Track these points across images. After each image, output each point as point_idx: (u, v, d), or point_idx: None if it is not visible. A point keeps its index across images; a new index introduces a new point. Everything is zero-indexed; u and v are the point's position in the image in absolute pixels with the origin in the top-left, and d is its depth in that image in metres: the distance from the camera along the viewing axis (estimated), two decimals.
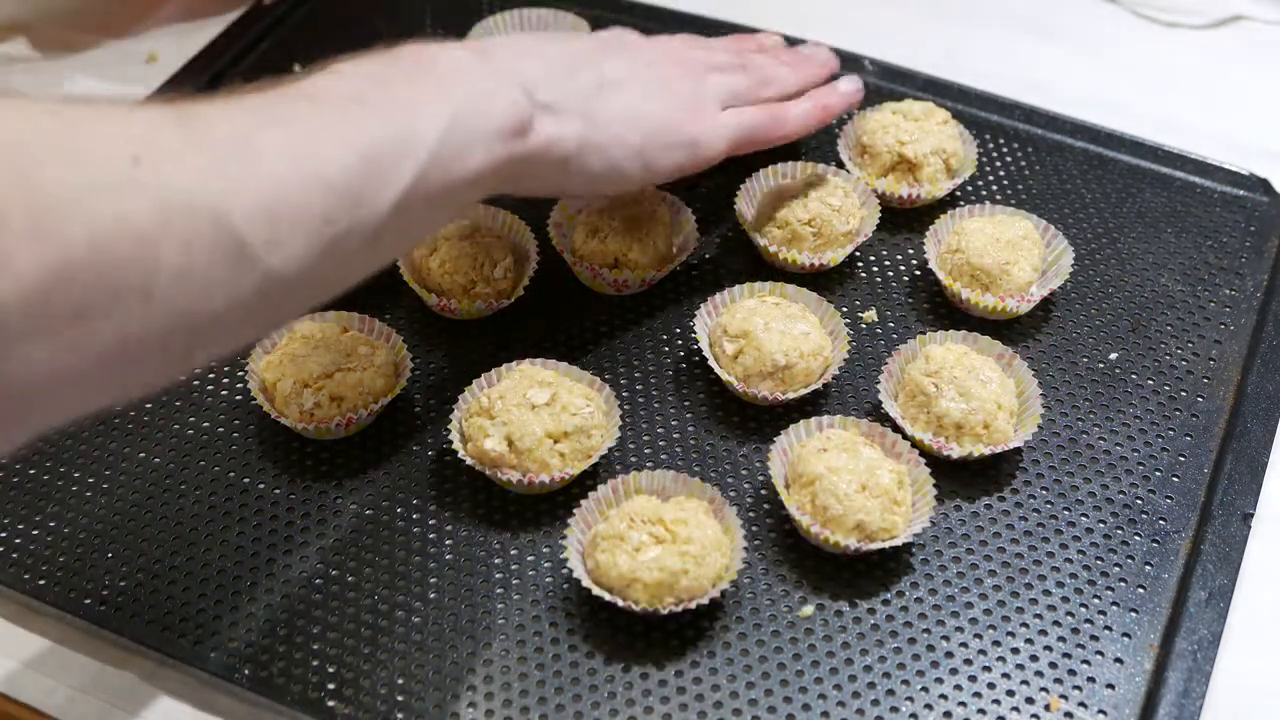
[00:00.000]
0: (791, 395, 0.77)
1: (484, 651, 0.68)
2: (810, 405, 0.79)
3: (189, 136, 0.51)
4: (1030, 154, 0.95)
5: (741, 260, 0.88)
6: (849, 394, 0.80)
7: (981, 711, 0.66)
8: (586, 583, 0.68)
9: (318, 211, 0.54)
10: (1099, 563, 0.72)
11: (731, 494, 0.74)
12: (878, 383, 0.78)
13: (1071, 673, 0.68)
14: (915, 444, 0.75)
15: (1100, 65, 1.06)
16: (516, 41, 0.69)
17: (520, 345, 0.82)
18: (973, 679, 0.67)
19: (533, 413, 0.72)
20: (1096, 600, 0.71)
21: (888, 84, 0.99)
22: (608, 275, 0.83)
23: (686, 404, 0.79)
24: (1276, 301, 0.86)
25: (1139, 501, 0.75)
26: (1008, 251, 0.83)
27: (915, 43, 1.05)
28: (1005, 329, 0.83)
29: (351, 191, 0.56)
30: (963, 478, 0.76)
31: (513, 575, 0.71)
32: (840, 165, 0.91)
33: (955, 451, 0.74)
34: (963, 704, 0.66)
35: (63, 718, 0.67)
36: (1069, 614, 0.70)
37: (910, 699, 0.67)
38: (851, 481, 0.70)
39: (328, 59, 0.61)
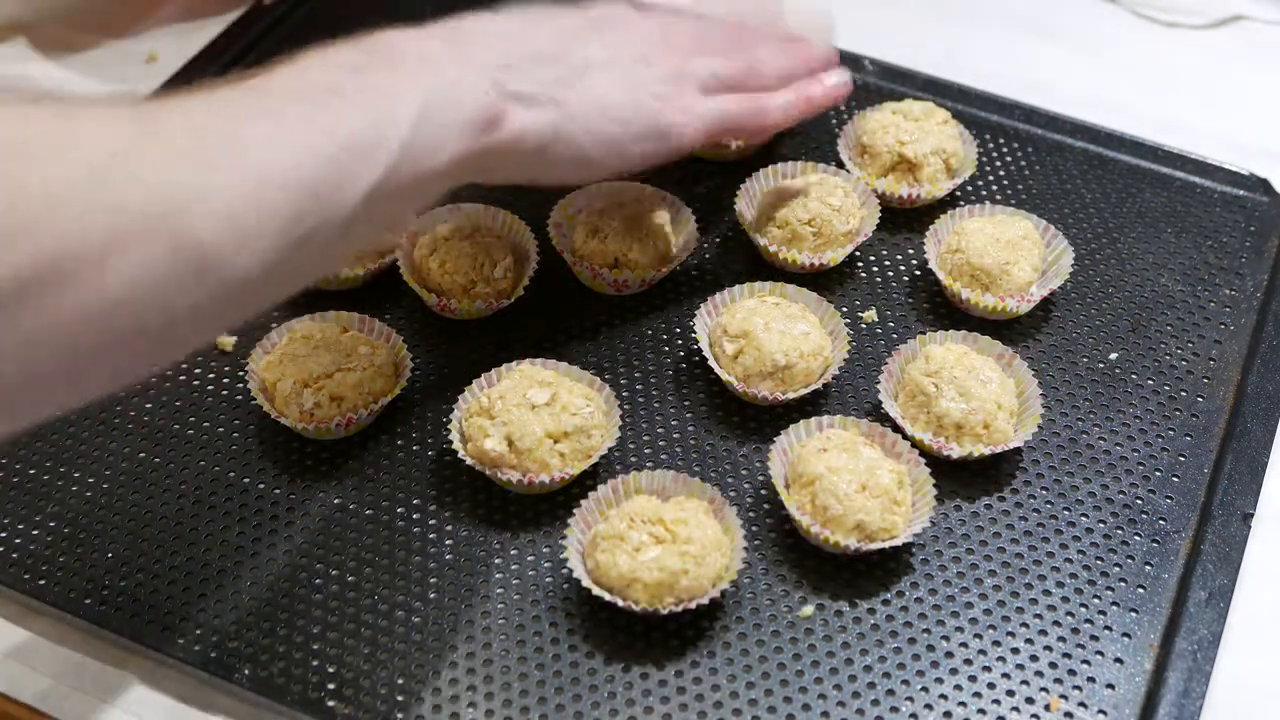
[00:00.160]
0: (791, 395, 0.77)
1: (484, 651, 0.68)
2: (810, 405, 0.79)
3: (154, 139, 0.51)
4: (1030, 154, 0.95)
5: (741, 260, 0.88)
6: (849, 394, 0.80)
7: (981, 711, 0.66)
8: (586, 583, 0.68)
9: (286, 212, 0.54)
10: (1099, 563, 0.72)
11: (731, 494, 0.74)
12: (878, 383, 0.78)
13: (1071, 673, 0.68)
14: (915, 444, 0.75)
15: (1100, 65, 1.06)
16: (493, 23, 0.68)
17: (520, 345, 0.82)
18: (973, 679, 0.67)
19: (533, 413, 0.72)
20: (1096, 600, 0.71)
21: (888, 84, 1.00)
22: (608, 275, 0.83)
23: (686, 404, 0.79)
24: (1276, 301, 0.86)
25: (1139, 501, 0.75)
26: (1008, 251, 0.83)
27: (915, 43, 1.05)
28: (1005, 329, 0.83)
29: (322, 189, 0.55)
30: (963, 478, 0.76)
31: (513, 575, 0.71)
32: (840, 165, 0.91)
33: (955, 451, 0.74)
34: (963, 704, 0.66)
35: (62, 717, 0.67)
36: (1069, 614, 0.70)
37: (910, 699, 0.67)
38: (851, 481, 0.70)
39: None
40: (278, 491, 0.75)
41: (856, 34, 1.03)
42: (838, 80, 0.83)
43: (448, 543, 0.72)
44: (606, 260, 0.83)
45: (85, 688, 0.68)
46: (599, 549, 0.68)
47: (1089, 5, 1.12)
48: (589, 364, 0.80)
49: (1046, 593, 0.71)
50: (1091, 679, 0.68)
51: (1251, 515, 0.74)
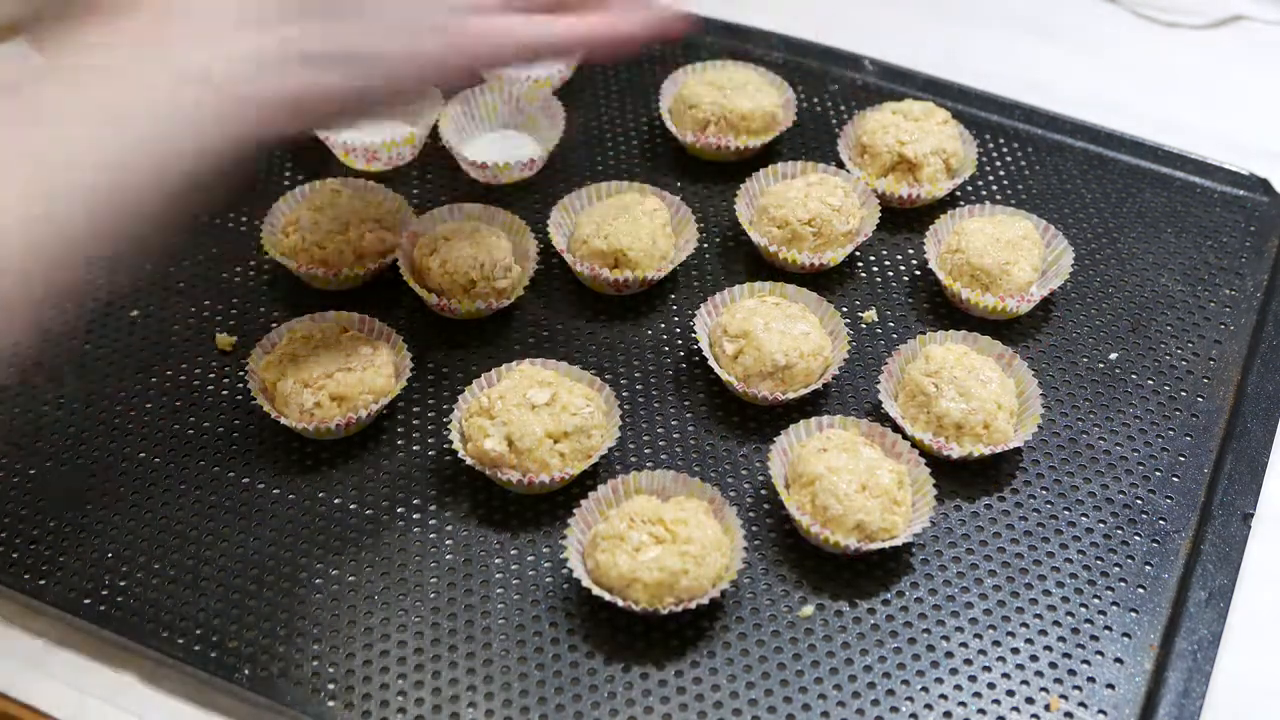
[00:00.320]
0: (791, 395, 0.77)
1: (484, 651, 0.68)
2: (810, 405, 0.79)
3: None
4: (1030, 154, 0.95)
5: (741, 260, 0.88)
6: (849, 394, 0.80)
7: (981, 711, 0.66)
8: (586, 583, 0.68)
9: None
10: (1099, 563, 0.72)
11: (731, 494, 0.74)
12: (878, 383, 0.78)
13: (1071, 673, 0.68)
14: (915, 444, 0.75)
15: (1100, 65, 1.06)
16: None
17: (520, 345, 0.82)
18: (973, 679, 0.67)
19: (533, 413, 0.72)
20: (1096, 600, 0.71)
21: (888, 84, 1.00)
22: (608, 275, 0.83)
23: (686, 404, 0.79)
24: (1276, 301, 0.86)
25: (1139, 501, 0.75)
26: (1008, 251, 0.83)
27: (915, 43, 1.05)
28: (1005, 329, 0.83)
29: (100, 192, 0.57)
30: (963, 478, 0.76)
31: (513, 575, 0.71)
32: (840, 165, 0.91)
33: (955, 451, 0.74)
34: (963, 704, 0.66)
35: (63, 718, 0.67)
36: (1069, 614, 0.70)
37: (910, 699, 0.67)
38: (851, 481, 0.70)
39: None
40: (278, 491, 0.75)
41: (856, 34, 1.04)
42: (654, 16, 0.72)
43: (448, 543, 0.72)
44: (606, 260, 0.83)
45: (85, 688, 0.68)
46: (599, 549, 0.68)
47: (1089, 5, 1.12)
48: (589, 364, 0.80)
49: (1046, 593, 0.71)
50: (1091, 679, 0.68)
51: (1251, 515, 0.74)
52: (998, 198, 0.92)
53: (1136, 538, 0.74)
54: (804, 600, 0.70)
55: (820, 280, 0.86)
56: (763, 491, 0.75)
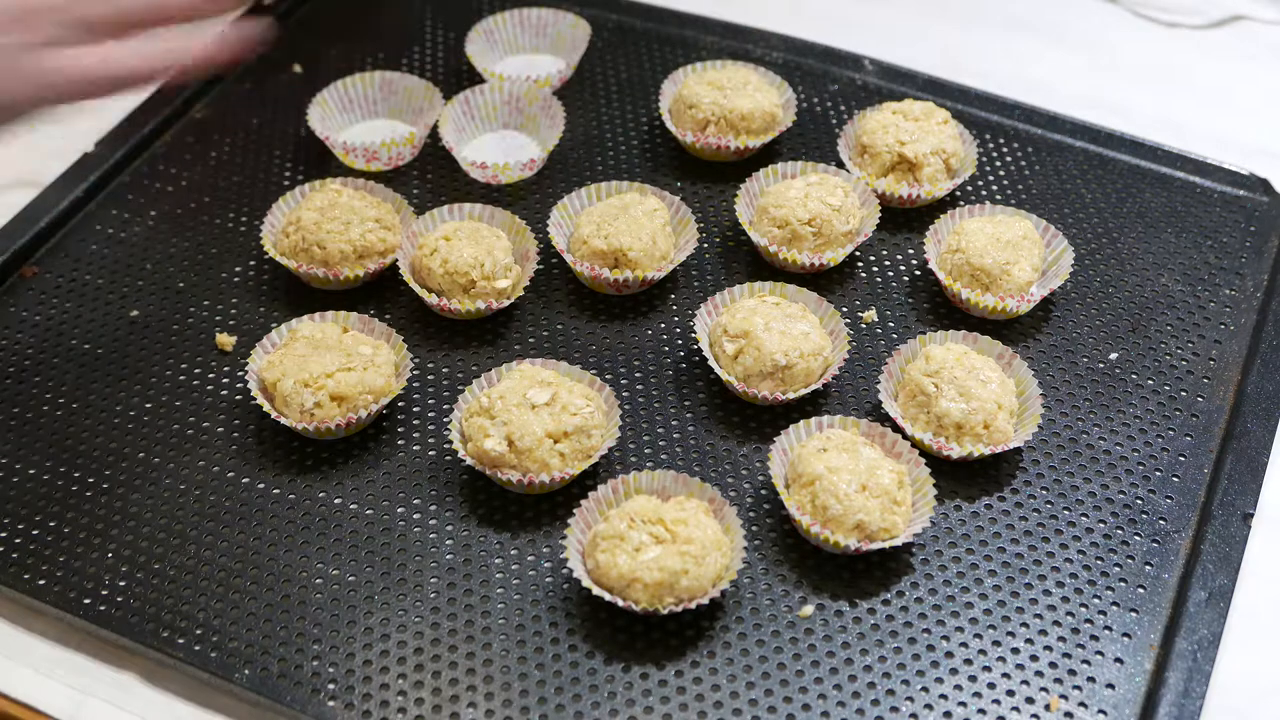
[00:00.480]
0: (791, 395, 0.77)
1: (484, 652, 0.68)
2: (810, 405, 0.79)
3: None
4: (1030, 154, 0.95)
5: (741, 260, 0.88)
6: (849, 394, 0.80)
7: (981, 711, 0.66)
8: (586, 583, 0.68)
9: None
10: (1099, 563, 0.72)
11: (731, 494, 0.74)
12: (878, 383, 0.78)
13: (1071, 673, 0.68)
14: (915, 444, 0.75)
15: (1100, 65, 1.06)
16: None
17: (520, 345, 0.82)
18: (973, 679, 0.67)
19: (533, 413, 0.72)
20: (1096, 600, 0.71)
21: (888, 84, 1.00)
22: (608, 275, 0.83)
23: (686, 404, 0.79)
24: (1276, 301, 0.86)
25: (1139, 501, 0.75)
26: (1008, 251, 0.83)
27: (915, 43, 1.05)
28: (1005, 329, 0.83)
29: None
30: (963, 478, 0.76)
31: (513, 575, 0.71)
32: (840, 165, 0.91)
33: (955, 451, 0.74)
34: (963, 704, 0.66)
35: (63, 718, 0.67)
36: (1069, 614, 0.70)
37: (910, 699, 0.67)
38: (851, 481, 0.70)
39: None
40: (277, 491, 0.75)
41: (856, 34, 1.04)
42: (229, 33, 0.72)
43: (448, 543, 0.72)
44: (606, 260, 0.83)
45: (85, 688, 0.68)
46: (599, 549, 0.68)
47: (1089, 5, 1.12)
48: (589, 364, 0.80)
49: (1046, 593, 0.71)
50: (1091, 679, 0.68)
51: (1251, 515, 0.74)
52: (998, 198, 0.92)
53: (1136, 538, 0.74)
54: (804, 600, 0.70)
55: (820, 280, 0.86)
56: (763, 491, 0.75)
